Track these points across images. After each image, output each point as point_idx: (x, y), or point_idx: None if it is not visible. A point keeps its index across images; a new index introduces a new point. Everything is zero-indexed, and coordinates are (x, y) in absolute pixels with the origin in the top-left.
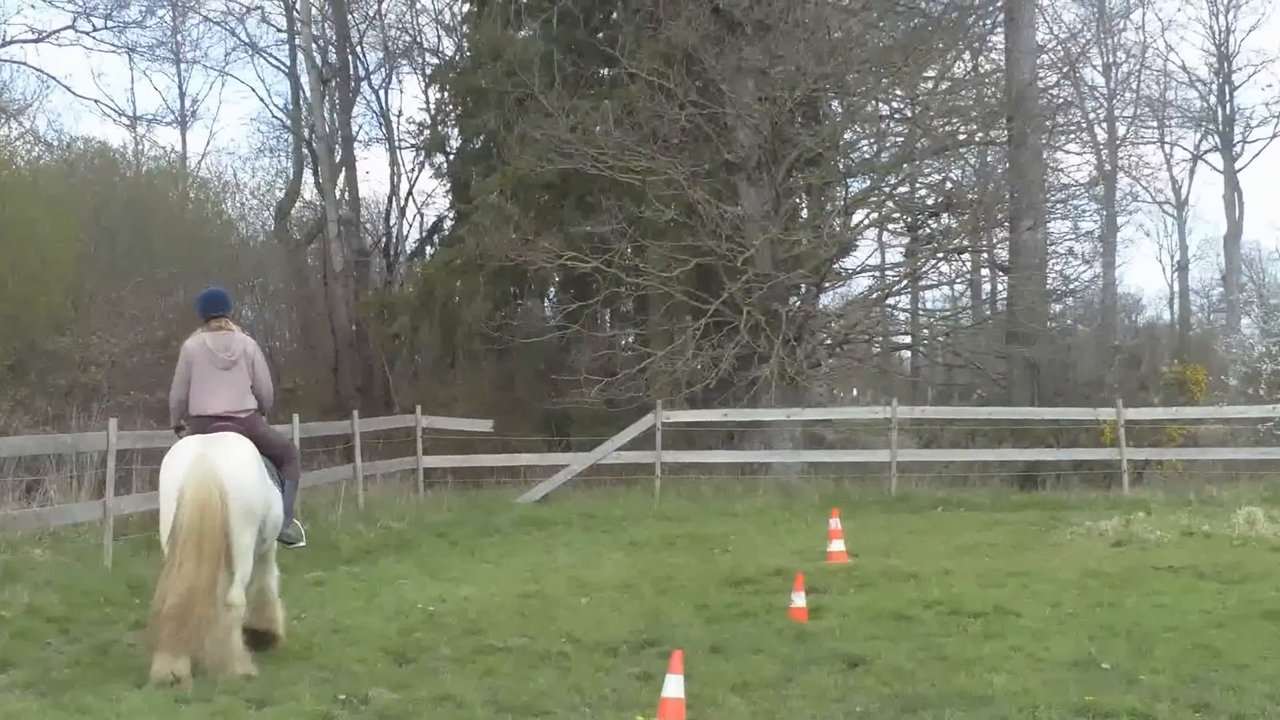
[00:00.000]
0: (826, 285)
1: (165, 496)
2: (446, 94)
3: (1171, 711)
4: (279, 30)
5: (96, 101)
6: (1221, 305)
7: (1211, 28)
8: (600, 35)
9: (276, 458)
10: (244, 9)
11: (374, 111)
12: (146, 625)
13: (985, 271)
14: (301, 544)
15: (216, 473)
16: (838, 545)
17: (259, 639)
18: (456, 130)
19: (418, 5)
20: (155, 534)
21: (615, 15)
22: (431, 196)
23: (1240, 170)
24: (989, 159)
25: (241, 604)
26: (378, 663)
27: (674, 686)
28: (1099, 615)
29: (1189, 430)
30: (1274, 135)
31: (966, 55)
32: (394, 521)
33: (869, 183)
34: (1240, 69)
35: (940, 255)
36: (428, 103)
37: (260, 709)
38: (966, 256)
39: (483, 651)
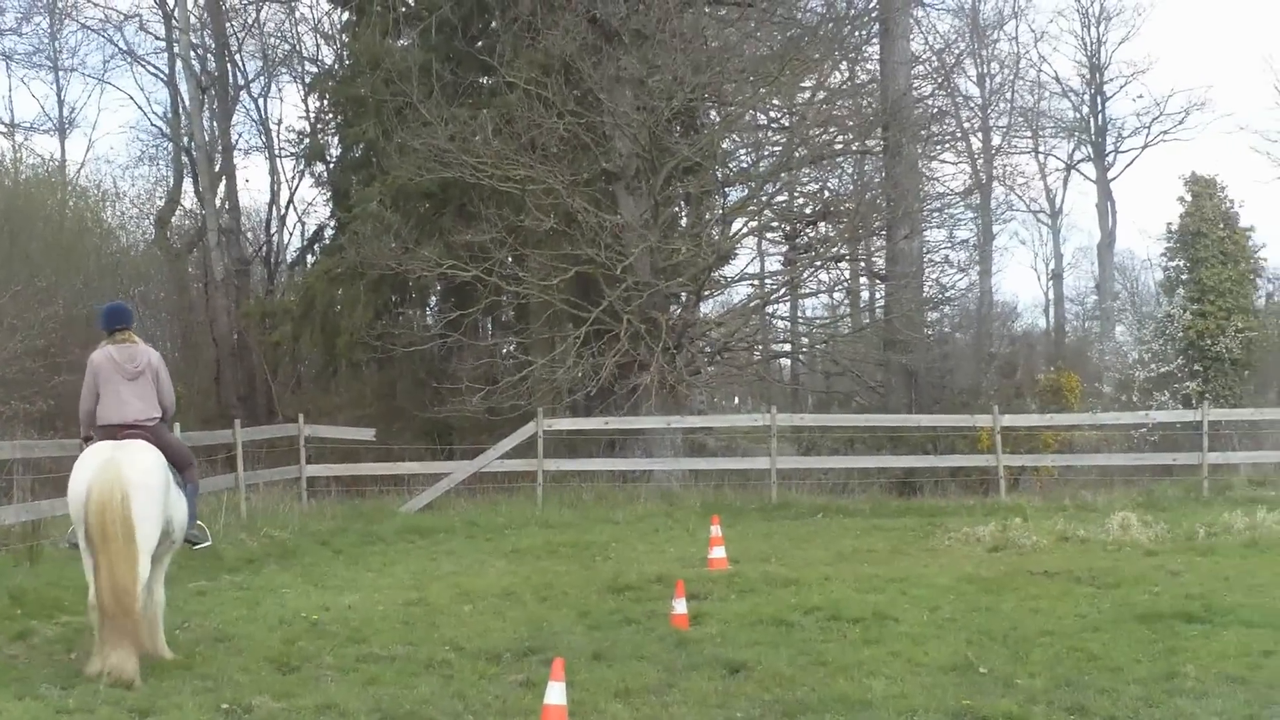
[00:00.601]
0: (706, 293)
1: (73, 499)
2: (326, 102)
3: (1047, 714)
4: (157, 38)
5: None
6: (1095, 313)
7: (1083, 39)
8: (479, 44)
9: (179, 464)
10: (122, 17)
11: (253, 120)
12: (95, 629)
13: (863, 280)
14: (207, 544)
15: (121, 475)
16: (718, 552)
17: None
18: (336, 139)
19: (296, 14)
20: (37, 544)
21: (493, 24)
22: (312, 205)
23: (1113, 180)
24: (866, 168)
25: (157, 602)
26: (261, 671)
27: (556, 694)
28: (976, 620)
29: (1064, 436)
30: (1145, 145)
31: (843, 65)
32: (277, 530)
33: (747, 191)
34: (1111, 80)
35: (818, 264)
36: (307, 111)
37: (144, 719)
38: (844, 265)
39: (366, 660)
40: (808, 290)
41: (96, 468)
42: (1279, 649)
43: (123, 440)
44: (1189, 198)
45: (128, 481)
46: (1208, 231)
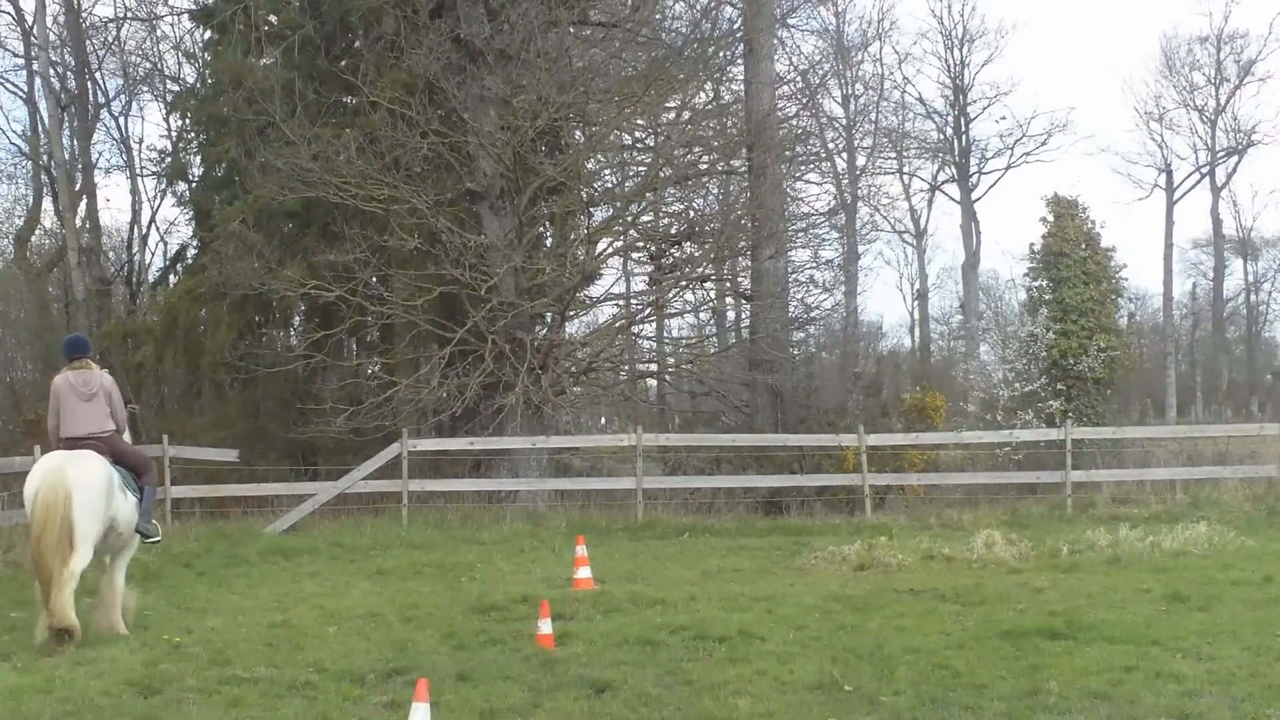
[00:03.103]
0: (571, 314)
1: (26, 499)
2: (188, 121)
3: None
4: (16, 55)
5: None
6: (960, 332)
7: (947, 61)
8: (342, 63)
9: (135, 469)
10: None
11: (114, 139)
12: (41, 600)
13: (729, 300)
14: (158, 539)
15: (65, 479)
16: (584, 572)
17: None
18: (198, 158)
19: (158, 32)
20: None
21: (356, 44)
22: (174, 224)
23: (977, 200)
24: (731, 188)
25: (77, 575)
26: (123, 695)
27: (420, 715)
28: (842, 638)
29: (929, 455)
30: (1008, 166)
31: (708, 86)
32: (140, 552)
33: (612, 212)
34: (975, 101)
35: (684, 284)
36: (169, 130)
37: None
38: (710, 285)
39: (229, 682)
40: (673, 310)
41: (45, 473)
42: (1140, 664)
43: (74, 450)
44: (1051, 218)
45: (71, 483)
46: (1070, 252)
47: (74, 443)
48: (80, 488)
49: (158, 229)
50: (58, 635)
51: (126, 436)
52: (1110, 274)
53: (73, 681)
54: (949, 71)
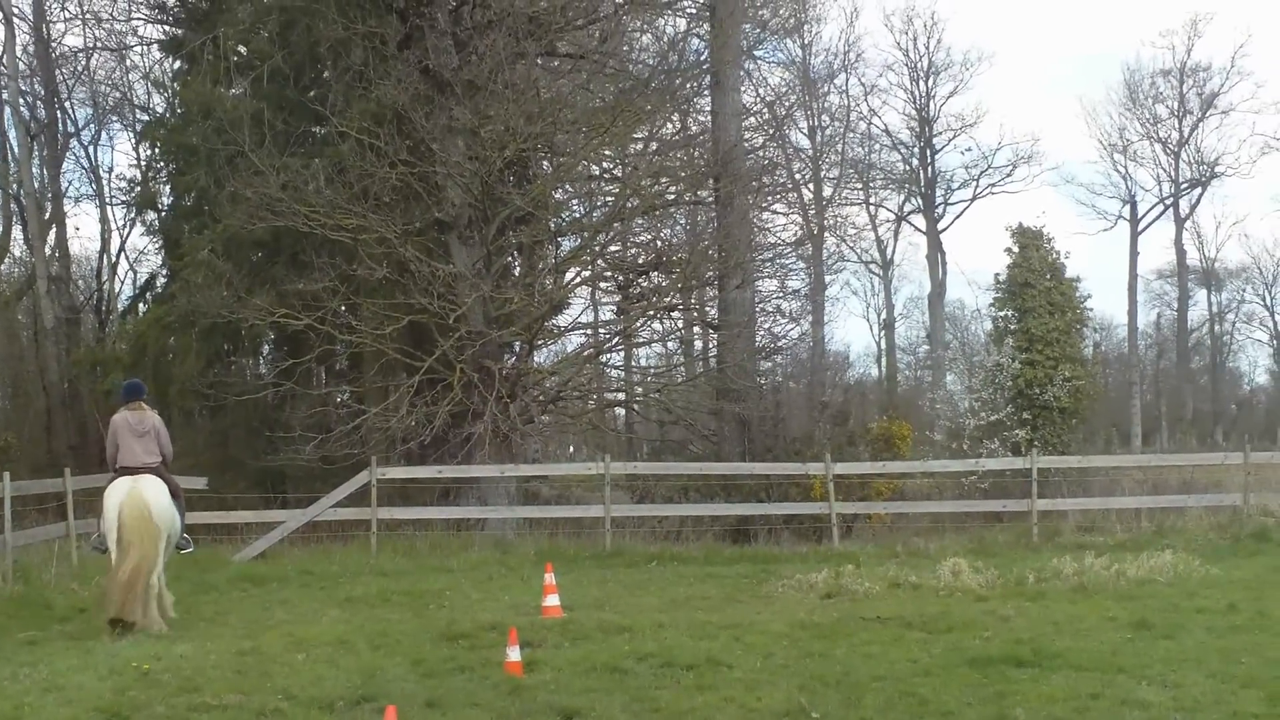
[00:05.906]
0: (539, 343)
1: (109, 511)
2: (157, 150)
3: None
4: None
5: None
6: (927, 362)
7: (913, 93)
8: (311, 94)
9: (173, 494)
10: None
11: (84, 167)
12: (104, 595)
13: (696, 329)
14: (191, 549)
15: (144, 497)
16: (552, 600)
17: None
18: (168, 187)
19: (127, 62)
20: None
21: (325, 74)
22: (144, 253)
23: (943, 231)
24: (698, 219)
25: (156, 585)
26: None
27: None
28: (809, 665)
29: (896, 484)
30: (974, 197)
31: (675, 117)
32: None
33: (580, 241)
34: (940, 133)
35: (651, 313)
36: (139, 159)
37: None
38: (677, 314)
39: (198, 710)
40: (641, 339)
41: (125, 492)
42: (1106, 692)
43: (139, 475)
44: (1016, 249)
45: (149, 500)
46: (1035, 282)
47: (128, 470)
48: (156, 504)
49: (127, 258)
50: (115, 625)
51: None
52: (1075, 304)
53: (41, 709)
54: (915, 103)
